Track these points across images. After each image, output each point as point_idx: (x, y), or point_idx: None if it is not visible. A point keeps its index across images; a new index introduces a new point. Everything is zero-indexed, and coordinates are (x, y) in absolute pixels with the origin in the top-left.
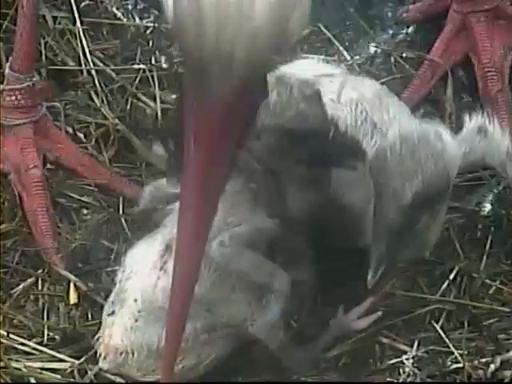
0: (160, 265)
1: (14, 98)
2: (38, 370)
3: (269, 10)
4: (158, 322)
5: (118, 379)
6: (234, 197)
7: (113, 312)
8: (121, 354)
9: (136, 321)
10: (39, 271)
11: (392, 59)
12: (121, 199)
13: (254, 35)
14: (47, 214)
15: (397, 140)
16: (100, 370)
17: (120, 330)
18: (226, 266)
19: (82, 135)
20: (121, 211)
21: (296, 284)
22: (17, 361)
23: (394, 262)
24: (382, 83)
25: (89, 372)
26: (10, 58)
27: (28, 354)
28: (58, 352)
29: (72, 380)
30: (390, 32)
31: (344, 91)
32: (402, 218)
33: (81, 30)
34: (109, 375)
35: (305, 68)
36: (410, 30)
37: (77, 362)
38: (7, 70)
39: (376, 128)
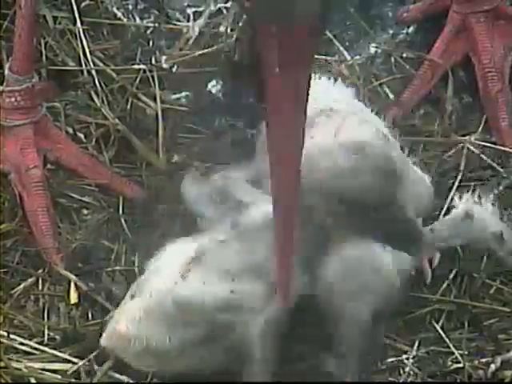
0: (182, 272)
1: (13, 99)
2: (39, 370)
3: None
4: (163, 324)
5: (125, 379)
6: None
7: (133, 296)
8: (122, 339)
9: (144, 314)
10: (39, 271)
11: (392, 59)
12: (121, 199)
13: None
14: (47, 214)
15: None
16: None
17: (128, 318)
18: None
19: (82, 135)
20: (121, 211)
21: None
22: (17, 361)
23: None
24: (382, 83)
25: (97, 372)
26: (10, 59)
27: (28, 353)
28: (59, 352)
29: (72, 380)
30: (390, 32)
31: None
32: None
33: (81, 30)
34: (114, 373)
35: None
36: (410, 30)
37: (78, 362)
38: (6, 72)
39: None
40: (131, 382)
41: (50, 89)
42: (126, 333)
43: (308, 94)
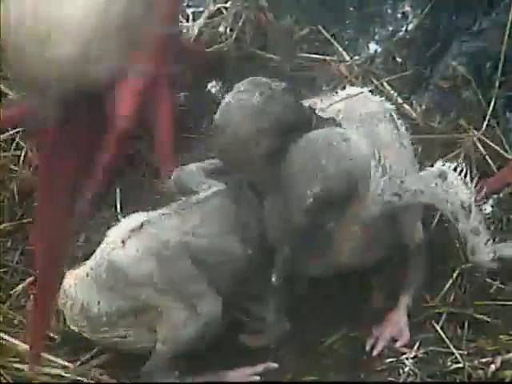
0: (123, 238)
1: None
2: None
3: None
4: (96, 286)
5: (122, 380)
6: (214, 211)
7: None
8: (66, 296)
9: (87, 275)
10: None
11: (392, 58)
12: (118, 200)
13: (58, 59)
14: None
15: (301, 143)
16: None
17: (73, 276)
18: (160, 267)
19: None
20: (119, 210)
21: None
22: (16, 361)
23: (302, 268)
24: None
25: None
26: None
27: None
28: (58, 352)
29: (71, 380)
30: (390, 30)
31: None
32: (306, 221)
33: None
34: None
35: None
36: (410, 27)
37: (76, 363)
38: None
39: None
40: (127, 382)
41: None
42: (68, 291)
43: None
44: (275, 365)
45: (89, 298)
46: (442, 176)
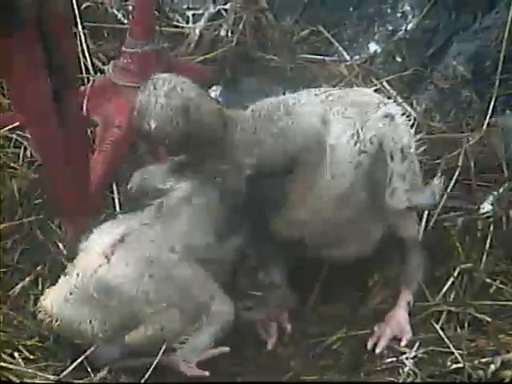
0: (107, 253)
1: (125, 60)
2: (36, 371)
3: None
4: (86, 305)
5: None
6: (200, 209)
7: (66, 274)
8: (48, 316)
9: (70, 294)
10: (39, 268)
11: (392, 58)
12: (117, 200)
13: None
14: (103, 172)
15: (247, 112)
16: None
17: (54, 296)
18: (169, 273)
19: None
20: (118, 209)
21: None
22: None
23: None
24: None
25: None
26: None
27: (26, 353)
28: (56, 350)
29: (70, 380)
30: (390, 29)
31: None
32: (243, 189)
33: (81, 32)
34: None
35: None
36: (410, 27)
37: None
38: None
39: None
40: (126, 382)
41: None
42: (51, 310)
43: None
44: None
45: (80, 317)
46: (389, 116)
